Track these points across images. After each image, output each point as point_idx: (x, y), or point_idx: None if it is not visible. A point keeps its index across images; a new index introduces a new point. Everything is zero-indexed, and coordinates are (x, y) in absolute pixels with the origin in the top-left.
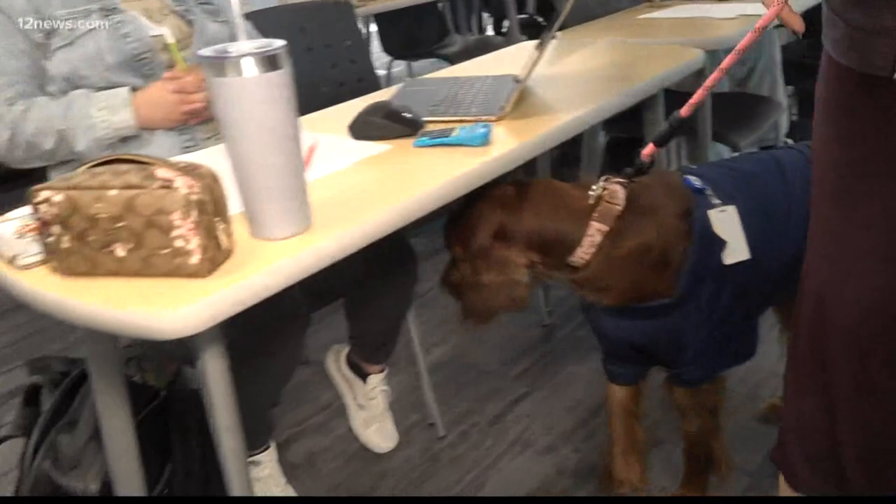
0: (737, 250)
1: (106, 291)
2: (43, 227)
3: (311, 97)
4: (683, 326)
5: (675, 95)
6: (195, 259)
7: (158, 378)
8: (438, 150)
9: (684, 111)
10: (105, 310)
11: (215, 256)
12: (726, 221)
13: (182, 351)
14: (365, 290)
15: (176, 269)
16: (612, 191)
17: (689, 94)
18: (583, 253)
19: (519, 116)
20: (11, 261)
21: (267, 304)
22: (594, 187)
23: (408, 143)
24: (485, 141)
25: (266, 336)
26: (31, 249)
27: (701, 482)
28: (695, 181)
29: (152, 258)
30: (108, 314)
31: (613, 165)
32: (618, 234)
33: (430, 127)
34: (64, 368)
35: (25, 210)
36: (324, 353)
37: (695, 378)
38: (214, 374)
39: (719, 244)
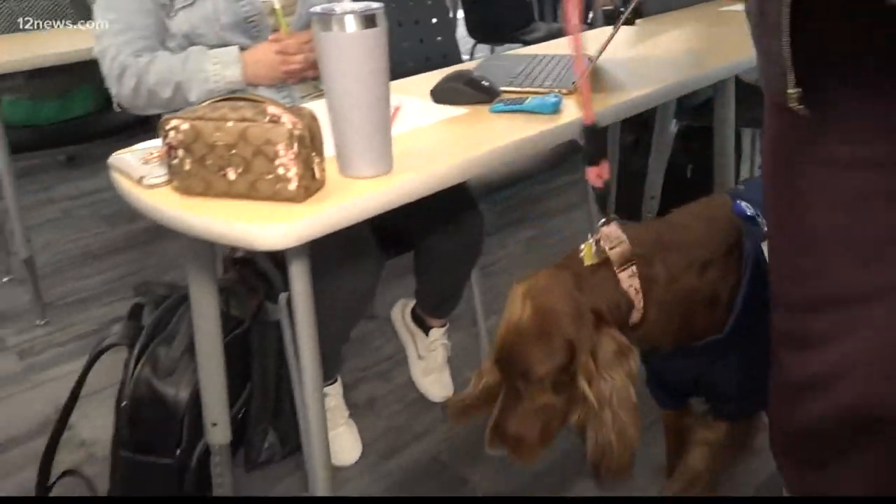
0: None
1: (217, 209)
2: (169, 150)
3: (398, 68)
4: (738, 362)
5: (750, 89)
6: (293, 186)
7: (243, 310)
8: (512, 116)
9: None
10: (216, 223)
11: (310, 185)
12: None
13: (265, 287)
14: (433, 245)
15: (276, 193)
16: (606, 234)
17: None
18: (636, 309)
19: (590, 91)
20: (139, 181)
21: (346, 242)
22: (582, 247)
23: (484, 108)
24: (555, 110)
25: (343, 270)
26: (154, 172)
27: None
28: (745, 207)
29: (257, 182)
30: (218, 226)
31: (684, 153)
32: (656, 278)
33: (506, 96)
34: (164, 293)
35: (147, 144)
36: (390, 309)
37: (734, 412)
38: (300, 286)
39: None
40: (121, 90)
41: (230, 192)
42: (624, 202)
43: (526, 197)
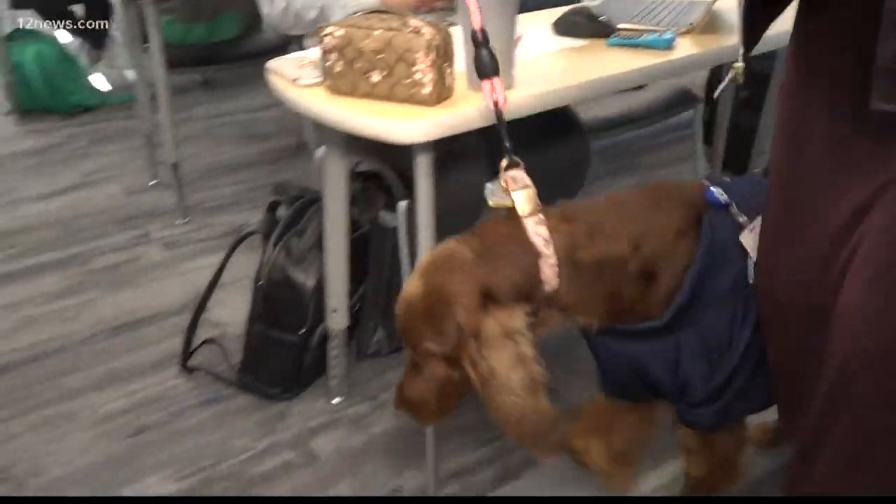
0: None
1: (361, 107)
2: (324, 53)
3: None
4: (680, 357)
5: None
6: (427, 90)
7: (364, 216)
8: (627, 49)
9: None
10: (361, 118)
11: (441, 92)
12: (756, 241)
13: (385, 198)
14: (538, 168)
15: (411, 96)
16: (511, 177)
17: None
18: (549, 268)
19: (705, 33)
20: (294, 81)
21: (461, 150)
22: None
23: (602, 42)
24: (669, 46)
25: (458, 174)
26: (307, 75)
27: None
28: (718, 195)
29: (397, 86)
30: (362, 121)
31: None
32: (574, 235)
33: (623, 32)
34: (297, 193)
35: (299, 54)
36: None
37: (704, 423)
38: (424, 178)
39: (733, 267)
40: (271, 10)
41: (372, 94)
42: (732, 158)
43: (632, 146)
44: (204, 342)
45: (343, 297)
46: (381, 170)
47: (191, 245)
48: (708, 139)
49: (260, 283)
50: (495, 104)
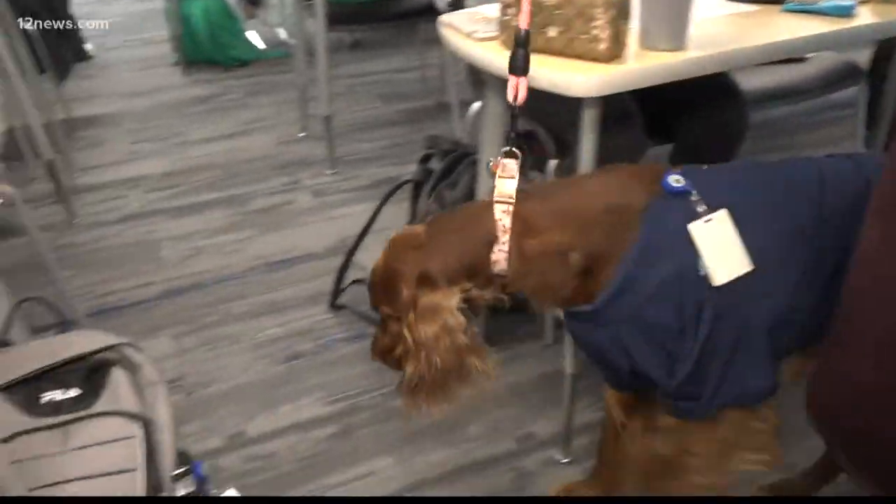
0: (732, 264)
1: (536, 60)
2: (504, 8)
3: None
4: (629, 344)
5: None
6: (602, 46)
7: None
8: (803, 15)
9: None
10: (537, 70)
11: (615, 49)
12: (715, 232)
13: (532, 157)
14: (693, 135)
15: (587, 51)
16: (504, 164)
17: None
18: (500, 252)
19: (888, 2)
20: (469, 35)
21: (621, 110)
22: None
23: (776, 8)
24: (849, 13)
25: (614, 134)
26: (481, 28)
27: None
28: (675, 182)
29: (573, 41)
30: (539, 73)
31: None
32: (527, 221)
33: None
34: (450, 147)
35: (473, 9)
36: None
37: (690, 412)
38: (590, 131)
39: (676, 257)
40: None
41: (546, 48)
42: None
43: (786, 124)
44: (352, 282)
45: None
46: (534, 129)
47: (338, 194)
48: (870, 122)
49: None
50: (514, 98)
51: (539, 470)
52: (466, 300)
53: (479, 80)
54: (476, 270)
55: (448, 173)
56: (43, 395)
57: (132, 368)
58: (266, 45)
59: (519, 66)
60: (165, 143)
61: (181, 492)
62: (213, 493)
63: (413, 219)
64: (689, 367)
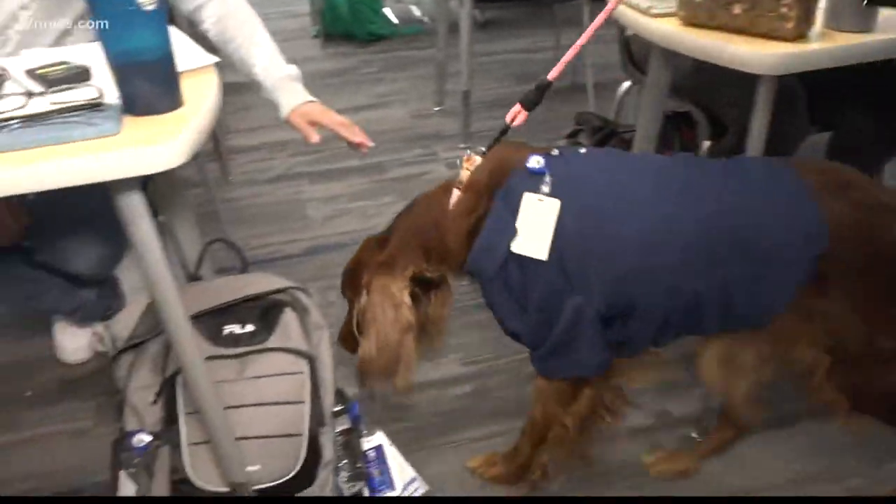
0: (531, 245)
1: (716, 36)
2: None
3: None
4: (494, 302)
5: None
6: (790, 25)
7: (660, 152)
8: None
9: (552, 74)
10: (716, 44)
11: (801, 28)
12: (538, 212)
13: (681, 138)
14: (855, 125)
15: (772, 30)
16: (472, 160)
17: None
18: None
19: None
20: (646, 11)
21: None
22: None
23: None
24: None
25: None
26: (659, 4)
27: (512, 471)
28: (535, 164)
29: (759, 18)
30: (718, 47)
31: None
32: (457, 208)
33: None
34: (600, 124)
35: None
36: None
37: (539, 369)
38: (764, 109)
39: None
40: None
41: (729, 25)
42: None
43: None
44: None
45: None
46: (690, 110)
47: None
48: None
49: None
50: (510, 122)
51: (675, 446)
52: (421, 280)
53: (632, 59)
54: (432, 250)
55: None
56: (224, 327)
57: (301, 311)
58: (399, 21)
59: (529, 101)
60: None
61: (339, 427)
62: (364, 433)
63: None
64: (542, 333)
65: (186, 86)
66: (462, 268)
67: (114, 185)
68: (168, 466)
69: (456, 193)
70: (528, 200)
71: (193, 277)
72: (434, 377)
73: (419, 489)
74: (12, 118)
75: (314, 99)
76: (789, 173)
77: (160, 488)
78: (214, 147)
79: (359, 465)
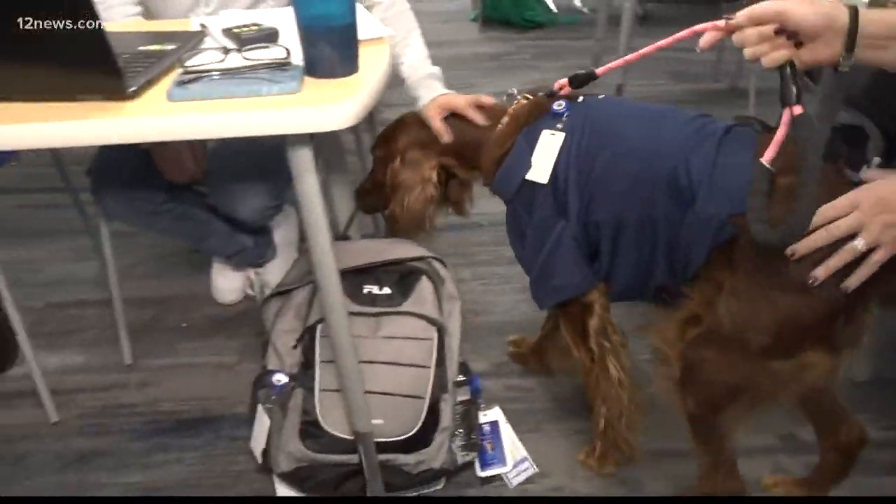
0: (538, 172)
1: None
2: None
3: None
4: (510, 227)
5: None
6: None
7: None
8: None
9: (600, 70)
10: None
11: None
12: (548, 144)
13: (847, 152)
14: None
15: None
16: (520, 102)
17: None
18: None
19: None
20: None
21: None
22: (512, 93)
23: None
24: None
25: None
26: None
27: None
28: (558, 106)
29: None
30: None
31: None
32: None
33: None
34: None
35: None
36: None
37: (534, 298)
38: None
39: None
40: None
41: None
42: None
43: None
44: None
45: None
46: (862, 123)
47: None
48: None
49: None
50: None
51: (798, 471)
52: (446, 170)
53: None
54: (465, 157)
55: None
56: (364, 286)
57: (437, 280)
58: (558, 10)
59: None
60: (459, 92)
61: (460, 398)
62: (482, 406)
63: None
64: (528, 250)
65: (362, 54)
66: (486, 184)
67: (289, 139)
68: (300, 407)
69: (502, 123)
70: (544, 136)
71: (342, 237)
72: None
73: (528, 470)
74: (211, 70)
75: (449, 91)
76: (751, 138)
77: (291, 426)
78: (369, 118)
79: (473, 436)
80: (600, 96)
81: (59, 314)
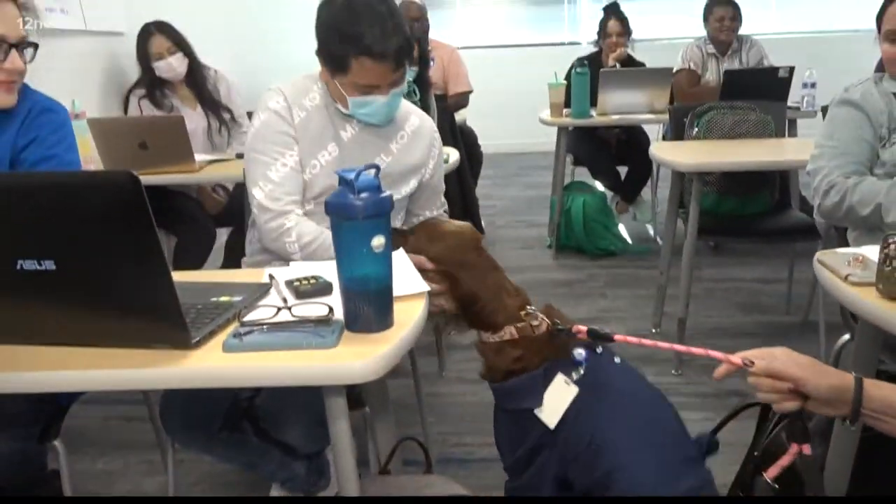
0: (549, 415)
1: None
2: (886, 259)
3: None
4: (498, 421)
5: None
6: None
7: None
8: None
9: (619, 338)
10: None
11: None
12: (560, 392)
13: None
14: None
15: None
16: (538, 319)
17: None
18: (490, 337)
19: None
20: (845, 278)
21: None
22: (529, 308)
23: None
24: None
25: None
26: (859, 273)
27: None
28: (579, 355)
29: None
30: None
31: None
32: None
33: None
34: None
35: (849, 250)
36: None
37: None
38: None
39: (534, 397)
40: (824, 202)
41: None
42: None
43: None
44: None
45: None
46: None
47: (679, 396)
48: None
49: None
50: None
51: None
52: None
53: (850, 314)
54: (470, 313)
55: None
56: None
57: None
58: (632, 239)
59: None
60: None
61: None
62: None
63: (755, 444)
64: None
65: (399, 308)
66: (484, 377)
67: (324, 387)
68: None
69: (511, 331)
70: (559, 381)
71: (383, 471)
72: None
73: None
74: (263, 324)
75: None
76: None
77: None
78: (436, 342)
79: None
80: (616, 359)
81: None
